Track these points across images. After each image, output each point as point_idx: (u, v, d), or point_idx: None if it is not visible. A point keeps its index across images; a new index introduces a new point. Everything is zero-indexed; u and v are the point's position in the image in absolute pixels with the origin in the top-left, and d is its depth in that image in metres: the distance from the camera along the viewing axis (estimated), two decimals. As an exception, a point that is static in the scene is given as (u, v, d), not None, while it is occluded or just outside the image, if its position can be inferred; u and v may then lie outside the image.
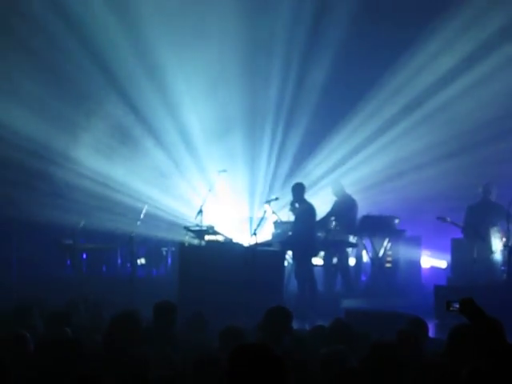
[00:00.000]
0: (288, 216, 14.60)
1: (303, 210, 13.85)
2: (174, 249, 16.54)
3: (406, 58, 16.83)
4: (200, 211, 13.56)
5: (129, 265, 15.58)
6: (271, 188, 17.72)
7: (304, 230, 13.76)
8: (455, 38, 16.43)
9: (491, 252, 14.79)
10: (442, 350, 6.10)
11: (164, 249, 17.09)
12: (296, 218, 13.87)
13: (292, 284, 14.18)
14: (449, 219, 15.00)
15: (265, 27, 17.01)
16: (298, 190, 13.96)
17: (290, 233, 14.23)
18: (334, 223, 15.17)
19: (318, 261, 15.22)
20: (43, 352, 5.77)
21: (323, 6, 16.65)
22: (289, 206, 14.02)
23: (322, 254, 15.16)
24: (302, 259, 13.79)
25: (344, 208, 15.35)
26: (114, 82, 16.93)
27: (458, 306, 4.87)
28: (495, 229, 14.84)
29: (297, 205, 13.86)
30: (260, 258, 12.59)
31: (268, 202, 14.45)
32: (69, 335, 6.75)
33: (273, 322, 6.78)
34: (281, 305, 7.51)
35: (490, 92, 16.25)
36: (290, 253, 14.31)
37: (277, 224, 15.43)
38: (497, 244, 14.81)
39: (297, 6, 16.81)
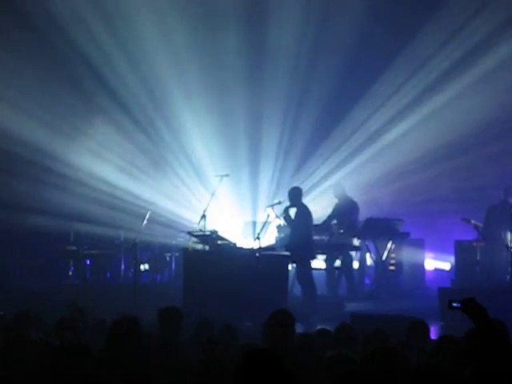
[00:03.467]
0: (281, 222, 14.56)
1: (300, 213, 13.83)
2: (177, 254, 16.51)
3: (401, 61, 16.85)
4: (203, 216, 13.54)
5: (132, 271, 15.56)
6: (274, 192, 17.72)
7: (301, 234, 13.73)
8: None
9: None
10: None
11: (168, 254, 17.05)
12: (293, 222, 13.84)
13: (296, 288, 14.16)
14: (473, 221, 14.98)
15: (270, 36, 17.05)
16: (295, 194, 13.92)
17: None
18: (336, 226, 15.16)
19: (321, 264, 15.22)
20: (49, 357, 5.77)
21: (326, 18, 16.73)
22: (281, 212, 13.94)
23: (324, 257, 15.17)
24: (300, 263, 13.77)
25: (345, 211, 15.33)
26: (113, 86, 16.97)
27: (459, 304, 4.88)
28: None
29: (290, 210, 13.83)
30: (264, 262, 12.57)
31: (271, 206, 14.41)
32: (74, 340, 6.75)
33: (275, 325, 6.75)
34: (283, 308, 7.46)
35: (493, 92, 16.24)
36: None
37: (280, 228, 15.42)
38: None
39: (300, 16, 16.87)
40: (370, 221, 15.43)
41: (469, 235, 15.46)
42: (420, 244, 16.49)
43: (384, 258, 15.46)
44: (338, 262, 15.17)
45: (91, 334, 7.91)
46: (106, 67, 16.77)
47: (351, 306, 13.51)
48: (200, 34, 16.84)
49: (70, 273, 16.69)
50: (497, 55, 16.19)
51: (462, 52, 16.52)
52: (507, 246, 14.56)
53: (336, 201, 15.62)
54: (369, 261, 16.00)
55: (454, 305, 4.94)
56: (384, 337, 6.76)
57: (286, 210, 13.79)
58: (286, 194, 14.06)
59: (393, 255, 15.80)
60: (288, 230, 14.38)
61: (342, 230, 15.06)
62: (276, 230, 15.57)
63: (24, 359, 6.09)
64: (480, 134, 16.27)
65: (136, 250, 14.56)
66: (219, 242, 13.18)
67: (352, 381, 4.57)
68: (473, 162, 16.56)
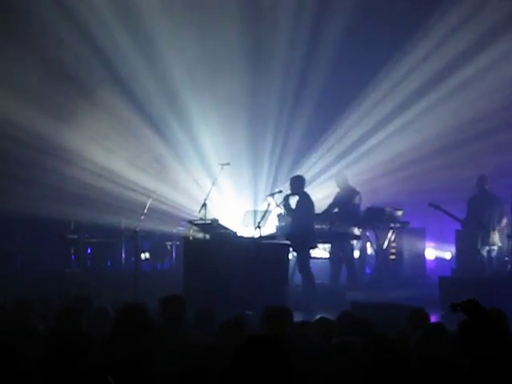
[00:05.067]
0: (281, 210, 14.54)
1: (302, 202, 13.79)
2: (178, 243, 16.51)
3: (405, 51, 16.84)
4: (204, 205, 13.53)
5: (133, 259, 15.56)
6: (275, 181, 17.72)
7: (302, 222, 13.68)
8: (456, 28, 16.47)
9: (495, 243, 14.83)
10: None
11: (168, 243, 17.06)
12: (294, 210, 13.80)
13: (297, 276, 14.16)
14: (441, 207, 15.02)
15: (267, 26, 17.06)
16: (298, 183, 13.84)
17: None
18: (336, 215, 15.15)
19: (323, 253, 15.23)
20: (52, 345, 5.77)
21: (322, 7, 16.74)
22: (281, 201, 13.88)
23: (327, 246, 15.17)
24: (300, 251, 13.76)
25: (347, 199, 15.33)
26: (112, 71, 16.93)
27: (461, 307, 4.91)
28: (498, 219, 14.93)
29: (291, 199, 13.79)
30: (264, 251, 12.54)
31: (272, 194, 14.37)
32: (80, 328, 6.76)
33: (272, 322, 6.72)
34: (279, 304, 7.40)
35: (490, 84, 16.24)
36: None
37: (281, 217, 15.42)
38: (501, 234, 14.85)
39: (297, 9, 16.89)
40: (371, 210, 15.44)
41: (470, 224, 15.46)
42: (421, 233, 16.50)
43: (384, 247, 15.48)
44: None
45: (92, 321, 7.91)
46: (105, 52, 16.74)
47: (352, 295, 13.50)
48: (202, 27, 16.83)
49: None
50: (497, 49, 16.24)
51: (463, 45, 16.54)
52: (508, 235, 14.61)
53: (338, 190, 15.62)
54: (369, 250, 16.02)
55: (458, 309, 4.96)
56: (370, 325, 6.73)
57: (287, 198, 13.76)
58: (288, 183, 14.03)
59: (393, 244, 15.82)
60: (289, 219, 14.36)
61: (339, 220, 15.06)
62: (277, 219, 15.56)
63: (25, 347, 6.10)
64: (483, 123, 16.27)
65: (137, 238, 14.55)
66: (220, 230, 13.16)
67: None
68: (474, 151, 16.54)
